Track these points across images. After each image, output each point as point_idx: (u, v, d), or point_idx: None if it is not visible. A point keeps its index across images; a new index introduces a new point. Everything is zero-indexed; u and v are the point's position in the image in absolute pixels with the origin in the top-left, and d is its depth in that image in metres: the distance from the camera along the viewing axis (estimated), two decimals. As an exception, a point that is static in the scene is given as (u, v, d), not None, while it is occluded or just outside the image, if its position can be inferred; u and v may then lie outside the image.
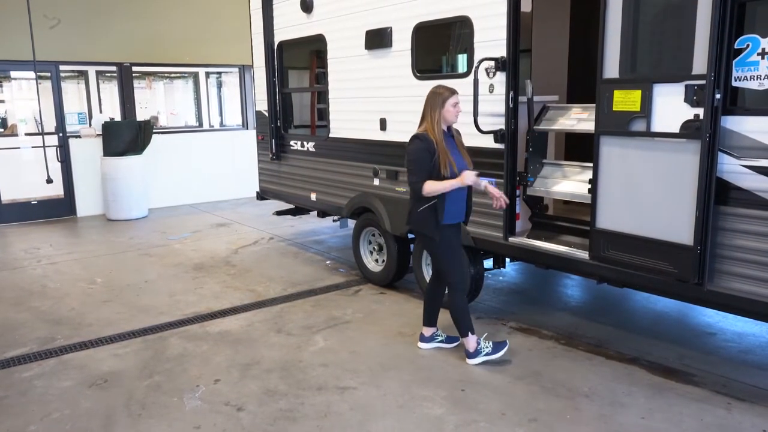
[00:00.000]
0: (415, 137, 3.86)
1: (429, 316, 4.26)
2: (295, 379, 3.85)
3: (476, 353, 3.98)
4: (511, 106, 4.21)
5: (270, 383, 3.79)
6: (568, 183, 4.28)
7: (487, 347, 4.00)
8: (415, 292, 5.36)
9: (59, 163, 9.11)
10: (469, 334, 3.99)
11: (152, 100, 11.37)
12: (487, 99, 4.28)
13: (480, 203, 4.54)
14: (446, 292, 4.27)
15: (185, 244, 7.55)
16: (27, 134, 9.16)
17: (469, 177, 3.76)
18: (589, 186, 3.88)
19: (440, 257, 3.97)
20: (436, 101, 3.84)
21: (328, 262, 6.63)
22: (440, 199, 3.81)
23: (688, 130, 3.25)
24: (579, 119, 4.17)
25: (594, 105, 3.74)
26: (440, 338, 4.27)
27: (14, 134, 9.26)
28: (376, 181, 5.47)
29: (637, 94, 3.46)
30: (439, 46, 5.41)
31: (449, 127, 3.96)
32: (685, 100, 3.25)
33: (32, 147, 8.77)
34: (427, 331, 4.27)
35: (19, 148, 9.00)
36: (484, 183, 3.96)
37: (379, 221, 5.41)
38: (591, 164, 3.82)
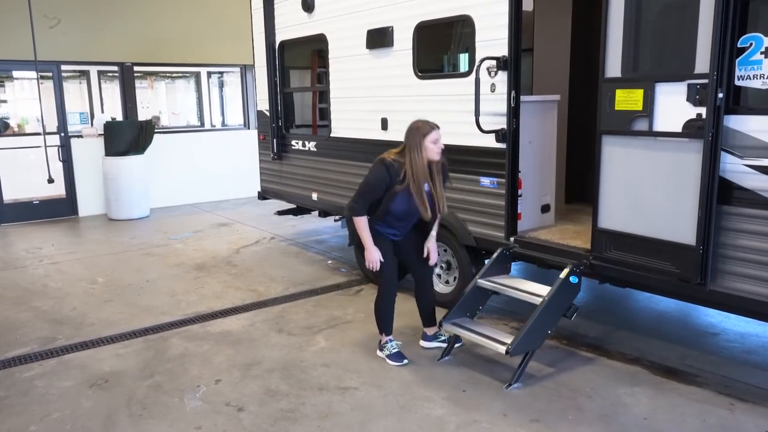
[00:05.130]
0: (382, 162, 3.75)
1: (426, 316, 4.29)
2: (296, 379, 3.84)
3: (381, 348, 4.11)
4: (512, 105, 4.20)
5: (271, 383, 3.79)
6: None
7: (393, 348, 4.07)
8: (417, 292, 5.34)
9: (61, 163, 9.12)
10: (383, 335, 4.13)
11: (154, 100, 11.36)
12: (488, 98, 4.27)
13: (482, 203, 4.54)
14: (433, 289, 4.36)
15: (186, 243, 7.55)
16: (29, 134, 9.15)
17: (371, 262, 3.89)
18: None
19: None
20: (415, 139, 3.69)
21: (329, 261, 6.62)
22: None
23: (691, 129, 3.24)
24: None
25: None
26: (443, 337, 4.26)
27: (16, 134, 9.26)
28: (378, 181, 5.45)
29: (639, 93, 3.44)
30: (440, 46, 5.40)
31: (429, 163, 3.76)
32: (688, 99, 3.24)
33: (34, 147, 8.76)
34: (430, 331, 4.28)
35: (20, 147, 8.99)
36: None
37: (381, 221, 5.39)
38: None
